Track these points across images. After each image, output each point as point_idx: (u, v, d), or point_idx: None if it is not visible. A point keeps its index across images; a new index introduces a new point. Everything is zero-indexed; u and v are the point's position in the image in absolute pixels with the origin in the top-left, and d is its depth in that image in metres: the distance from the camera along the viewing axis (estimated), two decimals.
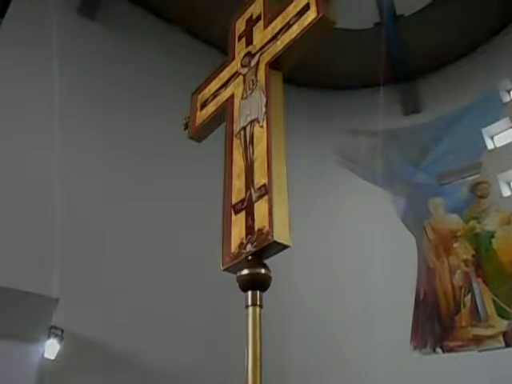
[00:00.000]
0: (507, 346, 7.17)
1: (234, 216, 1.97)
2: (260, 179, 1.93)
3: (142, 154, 8.93)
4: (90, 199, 8.10)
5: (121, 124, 8.94)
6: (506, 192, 8.39)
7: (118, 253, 8.18)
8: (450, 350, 7.76)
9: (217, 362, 8.23)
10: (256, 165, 2.00)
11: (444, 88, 10.19)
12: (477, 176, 8.61)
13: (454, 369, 7.35)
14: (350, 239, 9.50)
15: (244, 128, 2.18)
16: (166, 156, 9.08)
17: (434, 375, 7.45)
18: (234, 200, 2.01)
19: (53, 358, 6.66)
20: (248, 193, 1.95)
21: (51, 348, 6.66)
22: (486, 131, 9.11)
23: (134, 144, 8.93)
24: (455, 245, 8.38)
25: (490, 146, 9.05)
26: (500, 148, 8.91)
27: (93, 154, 8.41)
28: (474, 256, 8.10)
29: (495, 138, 9.20)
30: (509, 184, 8.55)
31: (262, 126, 2.07)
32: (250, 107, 2.20)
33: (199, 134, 2.70)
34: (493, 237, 7.95)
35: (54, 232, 7.29)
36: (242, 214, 1.93)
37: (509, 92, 9.47)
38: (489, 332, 7.42)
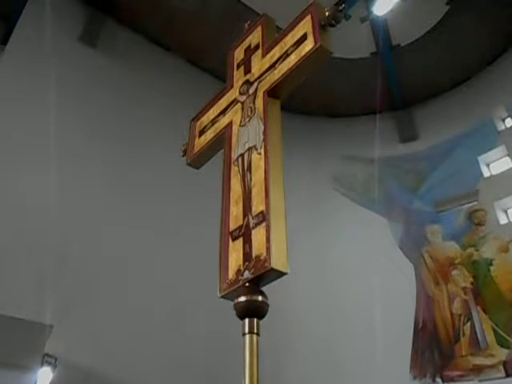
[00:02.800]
0: (507, 375, 7.06)
1: (231, 243, 1.96)
2: (258, 206, 1.93)
3: (140, 182, 8.94)
4: (86, 226, 8.07)
5: (119, 152, 8.98)
6: (503, 219, 8.42)
7: (114, 280, 8.10)
8: (450, 379, 7.63)
9: None
10: (254, 192, 2.01)
11: (440, 116, 10.33)
12: (473, 203, 8.65)
13: None
14: (349, 266, 9.45)
15: (242, 155, 2.20)
16: (164, 183, 9.10)
17: None
18: (232, 227, 2.01)
19: None
20: (245, 219, 1.95)
21: (44, 376, 6.53)
22: (482, 159, 9.19)
23: (132, 172, 8.95)
24: (454, 272, 8.35)
25: (486, 173, 9.12)
26: (496, 176, 8.98)
27: (90, 182, 8.42)
28: (472, 284, 8.06)
29: (491, 165, 9.27)
30: (505, 211, 8.58)
31: (259, 153, 2.08)
32: (248, 134, 2.23)
33: (197, 160, 2.71)
34: (491, 264, 7.93)
35: (48, 259, 7.23)
36: (240, 241, 1.92)
37: (504, 120, 9.59)
38: (489, 361, 7.32)
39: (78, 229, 7.94)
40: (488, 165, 9.28)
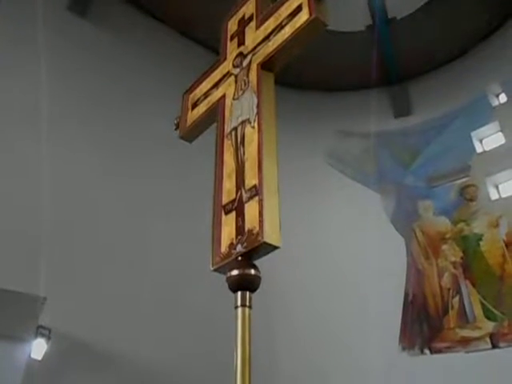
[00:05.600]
0: (494, 347, 7.23)
1: (224, 216, 1.96)
2: (251, 180, 1.93)
3: (130, 153, 8.89)
4: (78, 196, 8.04)
5: (110, 122, 8.89)
6: (494, 195, 8.49)
7: (106, 252, 8.13)
8: (438, 351, 7.81)
9: (206, 363, 8.21)
10: (247, 165, 2.00)
11: (434, 91, 10.29)
12: (465, 179, 8.69)
13: (442, 369, 7.41)
14: (341, 240, 9.53)
15: (235, 128, 2.18)
16: (155, 156, 9.04)
17: (422, 376, 7.50)
18: (225, 200, 2.01)
19: (40, 358, 6.59)
20: (238, 193, 1.95)
21: (38, 348, 6.59)
22: (475, 135, 9.21)
23: (123, 144, 8.89)
24: (444, 247, 8.45)
25: (478, 149, 9.14)
26: (488, 151, 9.01)
27: (80, 152, 8.35)
28: (462, 258, 8.17)
29: (484, 141, 9.29)
30: (497, 187, 8.64)
31: (253, 127, 2.07)
32: (242, 108, 2.20)
33: (190, 134, 2.68)
34: (481, 239, 8.03)
35: (41, 231, 7.22)
36: (232, 215, 1.92)
37: (498, 96, 9.57)
38: (476, 333, 7.49)
39: (70, 199, 7.91)
40: (481, 140, 9.30)
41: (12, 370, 6.39)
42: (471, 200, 8.45)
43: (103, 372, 7.49)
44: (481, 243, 8.00)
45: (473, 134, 9.16)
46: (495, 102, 9.48)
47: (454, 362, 7.43)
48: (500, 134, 9.02)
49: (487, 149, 9.10)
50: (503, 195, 8.48)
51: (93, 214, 8.11)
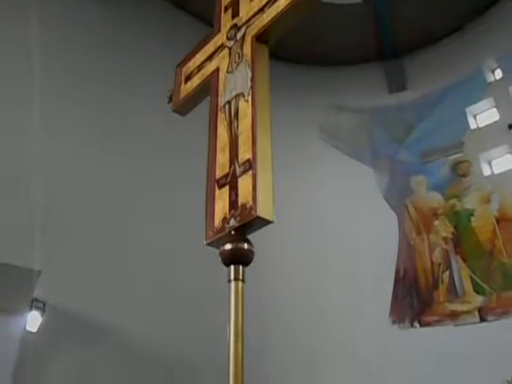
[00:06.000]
0: (482, 320, 7.38)
1: (217, 191, 1.96)
2: (244, 154, 1.92)
3: (124, 126, 8.81)
4: (72, 171, 8.00)
5: (102, 96, 8.77)
6: (486, 171, 8.52)
7: (101, 224, 8.14)
8: (428, 324, 7.96)
9: (199, 337, 8.32)
10: (240, 139, 1.99)
11: (430, 66, 10.20)
12: (459, 155, 8.71)
13: (431, 342, 7.57)
14: (334, 215, 9.58)
15: (229, 102, 2.16)
16: (149, 129, 8.97)
17: (412, 348, 7.66)
18: (218, 174, 2.01)
19: (35, 330, 6.65)
20: (232, 167, 1.94)
21: (33, 321, 6.65)
22: (470, 110, 9.18)
23: (116, 117, 8.79)
24: (435, 222, 8.52)
25: (472, 125, 9.13)
26: (482, 128, 9.00)
27: (73, 125, 8.27)
28: (453, 234, 8.25)
29: (478, 117, 9.27)
30: (490, 163, 8.67)
31: (247, 101, 2.04)
32: (235, 81, 2.18)
33: (183, 107, 2.66)
34: (472, 215, 8.09)
35: (35, 203, 7.20)
36: (226, 189, 1.92)
37: (493, 72, 9.51)
38: (465, 307, 7.62)
39: (65, 174, 7.88)
40: (475, 116, 9.29)
41: (7, 342, 6.46)
42: (464, 176, 8.49)
43: (98, 345, 7.58)
44: (472, 219, 8.07)
45: (467, 109, 9.14)
46: (490, 78, 9.43)
47: (442, 335, 7.59)
48: (494, 110, 8.99)
49: (481, 125, 9.09)
50: (496, 171, 8.52)
51: (88, 188, 8.08)
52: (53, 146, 7.74)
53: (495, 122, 8.78)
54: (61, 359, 7.11)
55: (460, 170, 8.54)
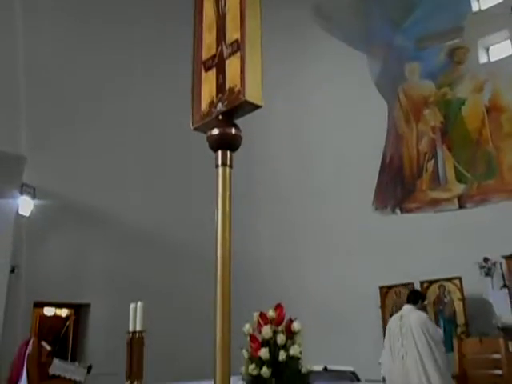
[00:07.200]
0: (460, 207, 7.67)
1: (204, 73, 1.87)
2: (232, 34, 1.79)
3: (106, 16, 8.35)
4: (57, 59, 7.71)
5: None
6: (483, 58, 8.22)
7: (88, 111, 8.01)
8: (409, 210, 8.27)
9: (188, 218, 8.62)
10: (228, 18, 1.85)
11: None
12: (456, 41, 8.35)
13: (411, 227, 7.92)
14: (323, 101, 9.41)
15: None
16: (132, 18, 8.52)
17: (393, 233, 8.03)
18: (205, 56, 1.89)
19: (27, 214, 6.81)
20: (219, 48, 1.83)
21: (25, 205, 6.78)
22: None
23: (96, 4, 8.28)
24: (425, 111, 8.43)
25: (474, 7, 8.62)
26: (484, 11, 8.52)
27: (56, 14, 7.82)
28: (442, 123, 8.22)
29: None
30: (487, 50, 8.37)
31: None
32: None
33: None
34: (463, 104, 7.99)
35: (20, 90, 7.00)
36: (213, 72, 1.83)
37: None
38: (446, 195, 7.86)
39: (50, 60, 7.61)
40: None
41: (2, 225, 6.65)
42: (459, 63, 8.20)
43: (90, 227, 7.85)
44: (462, 108, 7.98)
45: None
46: None
47: (422, 221, 7.92)
48: None
49: (483, 8, 8.60)
50: (492, 59, 8.23)
51: (73, 75, 7.85)
52: (37, 38, 7.40)
53: (499, 3, 8.28)
54: (54, 241, 7.39)
55: (456, 57, 8.24)
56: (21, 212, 6.73)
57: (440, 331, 5.29)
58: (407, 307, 5.09)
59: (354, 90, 8.87)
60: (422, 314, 5.03)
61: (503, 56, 7.83)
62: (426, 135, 8.35)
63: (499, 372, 5.71)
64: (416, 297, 5.25)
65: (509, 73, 7.55)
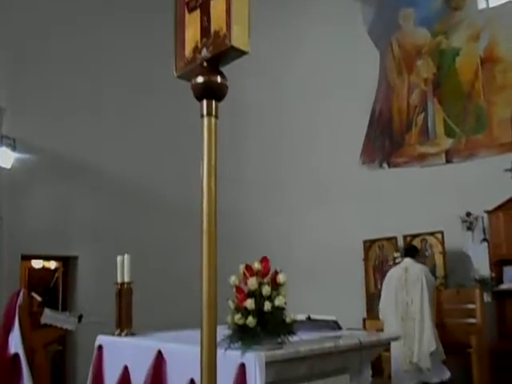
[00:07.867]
0: (447, 162, 7.66)
1: (187, 14, 1.73)
2: None
3: None
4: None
5: None
6: (481, 4, 7.83)
7: (62, 63, 7.75)
8: (396, 165, 8.25)
9: (174, 170, 8.54)
10: None
11: None
12: None
13: (398, 182, 7.93)
14: (312, 48, 9.12)
15: None
16: None
17: (379, 187, 8.05)
18: None
19: (8, 166, 6.68)
20: None
21: (5, 157, 6.64)
22: None
23: None
24: (418, 62, 8.21)
25: None
26: None
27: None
28: (434, 75, 8.03)
29: None
30: None
31: None
32: None
33: None
34: (457, 54, 7.75)
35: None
36: (197, 13, 1.69)
37: None
38: (433, 150, 7.82)
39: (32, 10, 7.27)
40: None
41: None
42: (456, 9, 7.85)
43: (72, 179, 7.74)
44: (457, 58, 7.76)
45: None
46: None
47: (408, 176, 7.92)
48: None
49: None
50: (491, 4, 7.83)
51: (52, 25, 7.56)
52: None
53: None
54: (38, 194, 7.29)
55: (453, 2, 7.88)
56: (2, 164, 6.58)
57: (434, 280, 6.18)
58: (408, 260, 5.88)
59: (345, 38, 8.60)
60: (423, 266, 5.95)
61: (503, 1, 7.47)
62: (418, 87, 8.19)
63: (473, 321, 6.10)
64: (413, 251, 6.11)
65: (508, 20, 7.26)
